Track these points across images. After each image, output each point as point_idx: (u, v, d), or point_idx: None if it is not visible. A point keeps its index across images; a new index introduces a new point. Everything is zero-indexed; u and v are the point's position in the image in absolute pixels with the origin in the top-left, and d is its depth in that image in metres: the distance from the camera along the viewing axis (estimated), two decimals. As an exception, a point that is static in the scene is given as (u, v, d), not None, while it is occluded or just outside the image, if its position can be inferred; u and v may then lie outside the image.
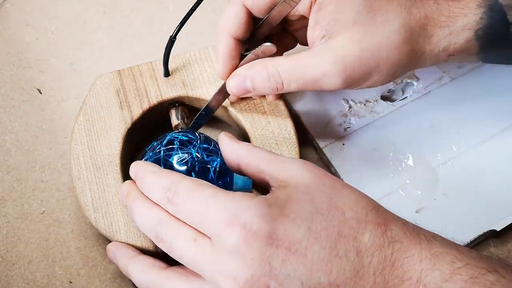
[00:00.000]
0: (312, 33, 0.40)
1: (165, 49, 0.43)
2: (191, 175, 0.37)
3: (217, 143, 0.39)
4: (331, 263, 0.31)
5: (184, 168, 0.37)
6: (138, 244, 0.38)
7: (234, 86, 0.40)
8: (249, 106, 0.43)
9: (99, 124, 0.42)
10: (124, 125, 0.42)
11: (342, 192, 0.33)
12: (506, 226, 0.42)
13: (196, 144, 0.39)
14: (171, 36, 0.43)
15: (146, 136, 0.45)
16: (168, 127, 0.44)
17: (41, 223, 0.43)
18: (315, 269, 0.31)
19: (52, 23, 0.54)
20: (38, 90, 0.50)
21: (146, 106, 0.43)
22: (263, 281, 0.30)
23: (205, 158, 0.38)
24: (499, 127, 0.46)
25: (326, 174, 0.35)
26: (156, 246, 0.37)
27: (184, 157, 0.38)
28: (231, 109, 0.43)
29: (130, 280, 0.40)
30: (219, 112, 0.44)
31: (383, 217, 0.33)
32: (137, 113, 0.43)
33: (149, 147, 0.40)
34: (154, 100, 0.44)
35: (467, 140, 0.46)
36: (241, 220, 0.31)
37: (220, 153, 0.38)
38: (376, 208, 0.34)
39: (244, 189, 0.41)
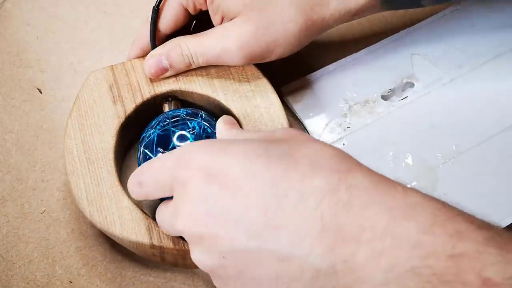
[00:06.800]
0: (214, 19, 0.44)
1: (151, 20, 0.44)
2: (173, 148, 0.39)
3: (190, 110, 0.41)
4: (268, 202, 0.29)
5: (163, 146, 0.39)
6: (133, 237, 0.38)
7: (153, 66, 0.43)
8: (241, 100, 0.43)
9: (93, 119, 0.43)
10: (117, 120, 0.43)
11: (306, 145, 0.31)
12: (506, 226, 0.42)
13: (163, 118, 0.41)
14: (154, 7, 0.44)
15: (140, 130, 0.45)
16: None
17: (41, 223, 0.43)
18: (250, 207, 0.29)
19: (52, 23, 0.54)
20: (39, 89, 0.50)
21: (139, 100, 0.44)
22: (201, 219, 0.30)
23: (177, 128, 0.40)
24: (499, 127, 0.46)
25: (300, 132, 0.34)
26: (151, 239, 0.38)
27: (153, 137, 0.40)
28: (224, 102, 0.43)
29: (131, 280, 0.41)
30: (211, 106, 0.45)
31: (348, 165, 0.30)
32: (130, 107, 0.43)
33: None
34: (147, 95, 0.44)
35: (467, 140, 0.46)
36: (183, 158, 0.32)
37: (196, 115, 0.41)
38: (342, 157, 0.30)
39: None
